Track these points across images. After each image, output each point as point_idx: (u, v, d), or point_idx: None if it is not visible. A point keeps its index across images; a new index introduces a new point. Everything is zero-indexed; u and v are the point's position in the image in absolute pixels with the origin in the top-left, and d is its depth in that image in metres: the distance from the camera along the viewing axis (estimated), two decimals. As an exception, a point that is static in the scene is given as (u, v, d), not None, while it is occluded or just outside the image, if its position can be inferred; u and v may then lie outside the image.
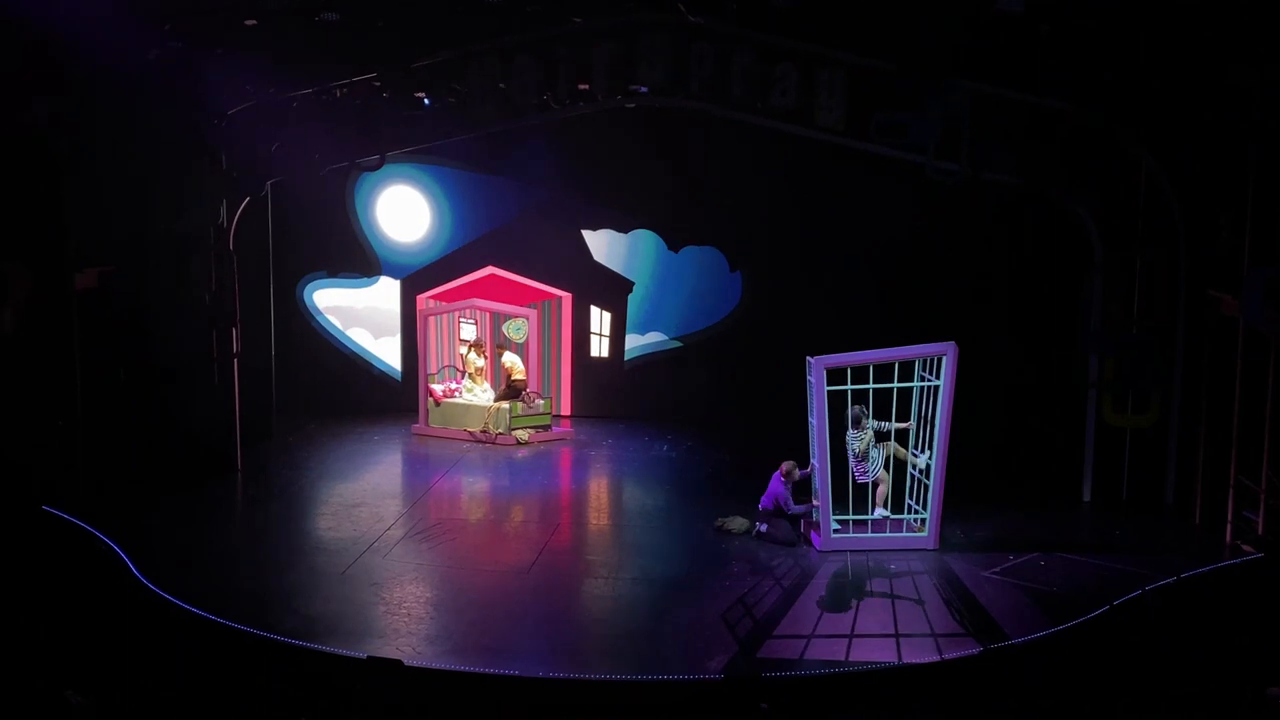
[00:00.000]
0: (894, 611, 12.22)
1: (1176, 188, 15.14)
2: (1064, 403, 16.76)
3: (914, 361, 13.90)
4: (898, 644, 11.43)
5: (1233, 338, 14.30)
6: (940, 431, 13.69)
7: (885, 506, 14.10)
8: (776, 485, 14.10)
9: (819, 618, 12.04)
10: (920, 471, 14.03)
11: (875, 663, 10.91)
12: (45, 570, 12.48)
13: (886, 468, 13.98)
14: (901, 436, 13.94)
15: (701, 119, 16.86)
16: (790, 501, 14.06)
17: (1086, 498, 16.07)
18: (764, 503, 14.18)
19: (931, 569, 13.39)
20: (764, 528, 14.20)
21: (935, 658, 11.05)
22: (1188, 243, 15.25)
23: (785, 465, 14.17)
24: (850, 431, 13.93)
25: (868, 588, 12.90)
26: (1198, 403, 15.12)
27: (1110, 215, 15.60)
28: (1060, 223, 16.60)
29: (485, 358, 19.67)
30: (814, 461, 13.89)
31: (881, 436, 13.89)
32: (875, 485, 14.11)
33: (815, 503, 13.92)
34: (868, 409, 13.77)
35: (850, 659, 11.02)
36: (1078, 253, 16.31)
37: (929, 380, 13.83)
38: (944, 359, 13.67)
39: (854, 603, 12.48)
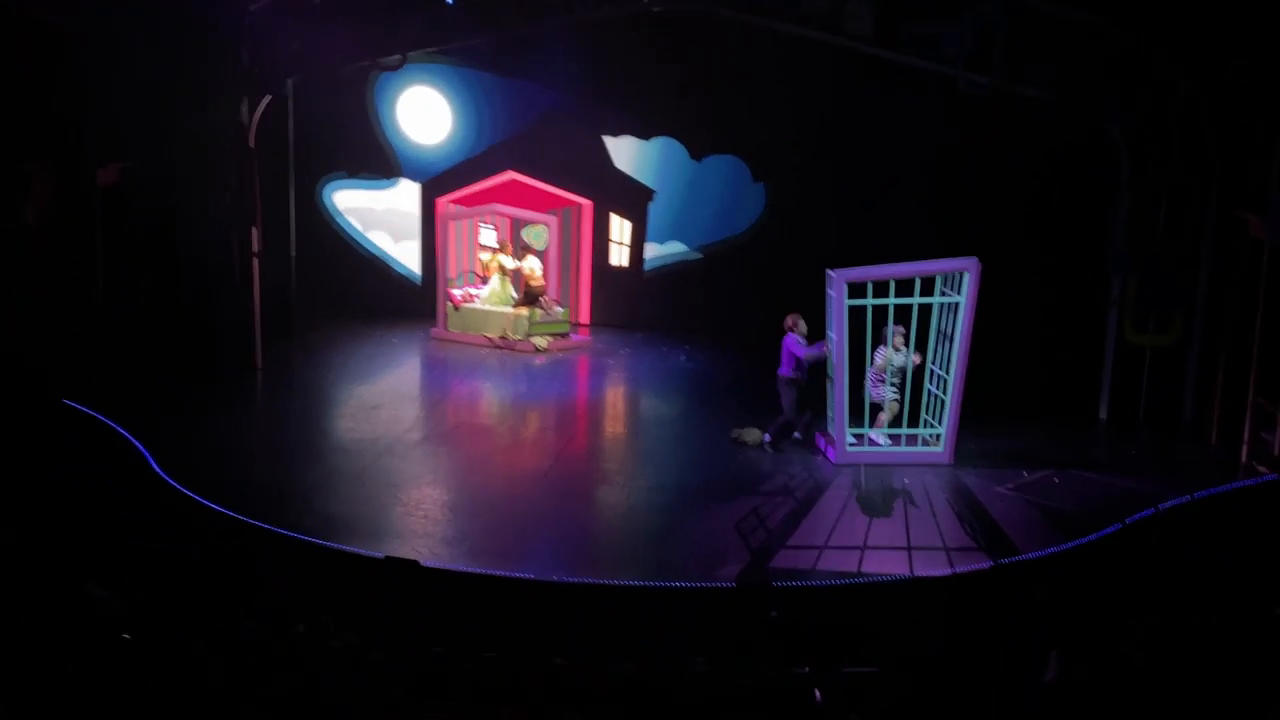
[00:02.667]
0: (906, 525, 12.28)
1: (1211, 108, 14.88)
2: (1085, 321, 16.68)
3: (935, 277, 13.83)
4: (909, 557, 11.50)
5: (1258, 259, 14.17)
6: (960, 348, 13.64)
7: (885, 427, 14.16)
8: (788, 345, 14.06)
9: (832, 529, 12.11)
10: (937, 387, 14.04)
11: (886, 574, 10.99)
12: (66, 464, 12.61)
13: (900, 391, 14.01)
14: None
15: (728, 25, 16.60)
16: (803, 354, 14.01)
17: (1103, 416, 16.07)
18: (783, 370, 14.16)
19: (946, 484, 13.43)
20: (768, 438, 14.26)
21: (946, 571, 11.13)
22: (1220, 163, 15.03)
23: (788, 320, 14.20)
24: (882, 347, 13.91)
25: (881, 501, 12.97)
26: (1219, 323, 15.04)
27: (1142, 134, 15.39)
28: (1090, 140, 16.38)
29: (516, 259, 19.46)
30: (831, 334, 13.79)
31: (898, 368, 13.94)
32: (878, 408, 14.12)
33: (830, 342, 13.85)
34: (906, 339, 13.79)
35: (862, 570, 11.11)
36: (1106, 171, 16.13)
37: (950, 296, 13.75)
38: (966, 275, 13.58)
39: (867, 516, 12.55)
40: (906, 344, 13.88)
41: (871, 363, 14.02)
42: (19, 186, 14.66)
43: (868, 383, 14.06)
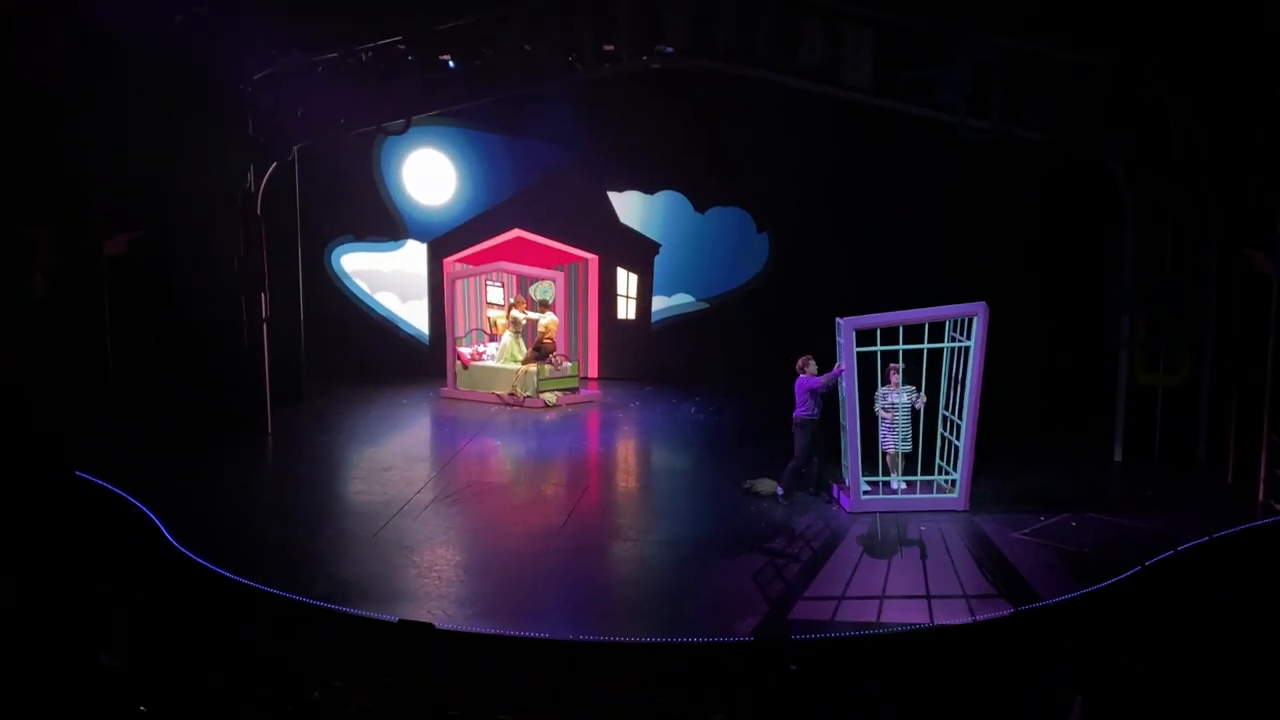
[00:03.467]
0: (925, 573, 12.19)
1: (1211, 142, 14.90)
2: (1095, 361, 16.63)
3: (944, 322, 13.80)
4: (929, 605, 11.40)
5: (1266, 295, 14.13)
6: (971, 392, 13.58)
7: (896, 472, 14.11)
8: (801, 385, 14.02)
9: (849, 579, 12.02)
10: (950, 432, 13.97)
11: (907, 624, 10.89)
12: (79, 535, 12.58)
13: (914, 430, 13.94)
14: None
15: (728, 79, 16.68)
16: (818, 383, 13.93)
17: (1118, 457, 15.96)
18: (798, 412, 14.10)
19: (962, 530, 13.33)
20: (781, 491, 14.19)
21: (967, 619, 11.03)
22: (1220, 198, 15.03)
23: (800, 362, 14.15)
24: (883, 387, 13.86)
25: (898, 549, 12.87)
26: (1230, 361, 14.98)
27: (1142, 171, 15.40)
28: (1092, 179, 16.42)
29: (526, 314, 19.37)
30: (840, 365, 13.71)
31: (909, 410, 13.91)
32: (885, 451, 14.05)
33: (840, 366, 13.73)
34: (901, 382, 13.79)
35: (881, 620, 11.01)
36: (1109, 209, 16.12)
37: (960, 341, 13.72)
38: (975, 319, 13.55)
39: (885, 564, 12.44)
40: (905, 380, 13.84)
41: (879, 408, 13.96)
42: (25, 255, 14.74)
43: (881, 428, 13.98)
